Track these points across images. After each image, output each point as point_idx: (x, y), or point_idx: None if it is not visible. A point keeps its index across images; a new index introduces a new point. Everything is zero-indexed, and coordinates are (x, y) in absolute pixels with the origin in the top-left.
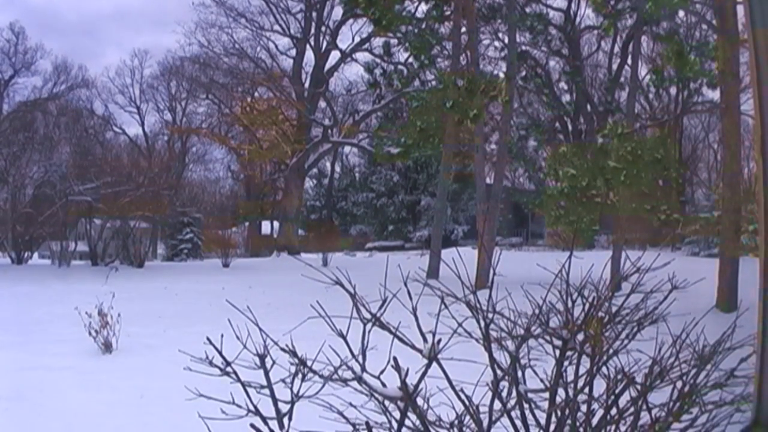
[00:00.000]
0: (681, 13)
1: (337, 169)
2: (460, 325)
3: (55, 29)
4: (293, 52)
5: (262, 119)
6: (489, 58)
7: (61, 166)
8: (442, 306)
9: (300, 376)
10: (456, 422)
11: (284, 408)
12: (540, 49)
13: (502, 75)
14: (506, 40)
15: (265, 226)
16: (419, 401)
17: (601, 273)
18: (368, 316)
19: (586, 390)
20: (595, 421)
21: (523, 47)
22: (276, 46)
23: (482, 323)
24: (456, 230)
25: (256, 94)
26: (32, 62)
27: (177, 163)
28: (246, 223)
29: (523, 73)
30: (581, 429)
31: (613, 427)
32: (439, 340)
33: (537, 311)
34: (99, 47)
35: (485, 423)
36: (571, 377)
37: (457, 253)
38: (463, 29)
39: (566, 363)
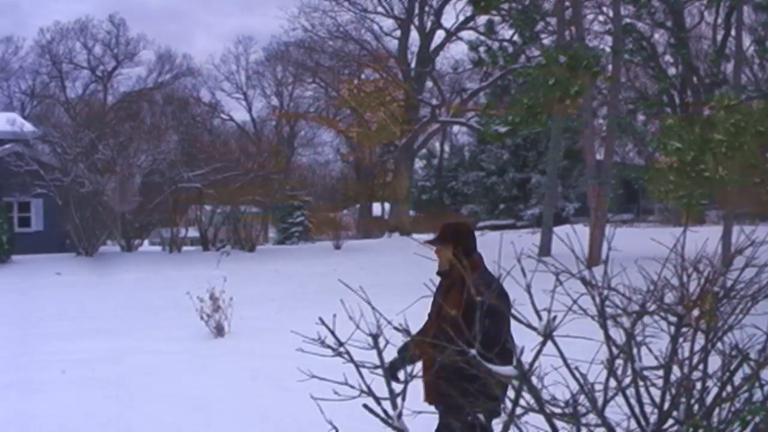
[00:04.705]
0: None
1: (447, 148)
2: (575, 302)
3: (139, 16)
4: (398, 32)
5: (370, 101)
6: (594, 32)
7: (169, 154)
8: (557, 282)
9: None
10: (570, 401)
11: (398, 388)
12: (644, 21)
13: (608, 49)
14: (611, 14)
15: (376, 208)
16: (533, 380)
17: (716, 247)
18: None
19: (701, 367)
20: (709, 399)
21: (627, 20)
22: (380, 28)
23: (597, 299)
24: (567, 207)
25: (362, 76)
26: (135, 53)
27: (285, 148)
28: (357, 205)
29: (629, 46)
30: (695, 407)
31: (728, 405)
32: (554, 317)
33: (652, 287)
34: (187, 32)
35: (600, 401)
36: (686, 354)
37: (572, 229)
38: (567, 3)
39: (681, 339)
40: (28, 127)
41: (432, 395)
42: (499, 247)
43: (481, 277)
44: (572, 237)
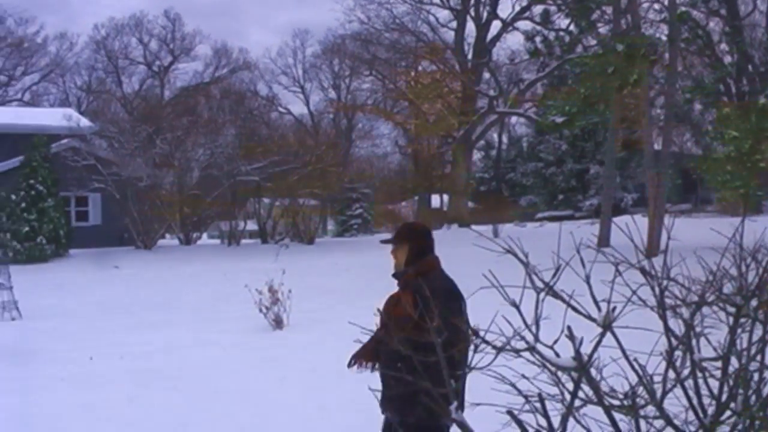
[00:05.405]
0: None
1: (505, 139)
2: (634, 292)
3: (192, 11)
4: (454, 24)
5: (427, 93)
6: (650, 20)
7: (227, 148)
8: (616, 273)
9: (472, 347)
10: (630, 393)
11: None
12: (699, 9)
13: (664, 38)
14: (666, 2)
15: (435, 200)
16: (592, 372)
17: None
18: (541, 285)
19: (759, 357)
20: (766, 390)
21: (683, 8)
22: (437, 19)
23: (657, 290)
24: (625, 198)
25: (419, 67)
26: (191, 48)
27: (344, 140)
28: (415, 197)
29: (685, 35)
30: (753, 398)
31: None
32: (614, 308)
33: (711, 277)
34: (241, 27)
35: (659, 393)
36: (744, 345)
37: (632, 220)
38: None
39: (739, 330)
40: (85, 122)
41: (383, 404)
42: (558, 238)
43: (435, 279)
44: (631, 227)
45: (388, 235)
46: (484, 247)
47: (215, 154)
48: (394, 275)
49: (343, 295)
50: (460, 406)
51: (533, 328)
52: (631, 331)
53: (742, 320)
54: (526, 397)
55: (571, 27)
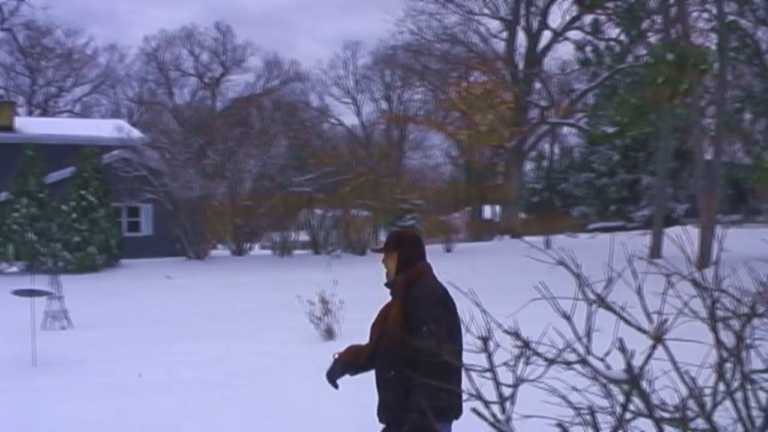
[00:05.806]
0: None
1: (556, 150)
2: (686, 304)
3: (241, 23)
4: (504, 34)
5: (479, 103)
6: (700, 30)
7: (279, 159)
8: (667, 285)
9: (523, 359)
10: (680, 405)
11: (507, 392)
12: (747, 18)
13: (713, 47)
14: (714, 11)
15: (487, 211)
16: (643, 384)
17: None
18: (593, 296)
19: None
20: None
21: (731, 17)
22: (487, 29)
23: (708, 302)
24: (676, 209)
25: (470, 78)
26: (242, 59)
27: (395, 151)
28: (467, 207)
29: (734, 44)
30: None
31: None
32: (666, 320)
33: (761, 288)
34: (291, 37)
35: (708, 406)
36: None
37: (682, 231)
38: (672, 0)
39: None
40: (136, 133)
41: (379, 412)
42: (610, 249)
43: (425, 285)
44: (683, 238)
45: (438, 246)
46: (536, 259)
47: (267, 165)
48: (386, 284)
49: None
50: (459, 410)
51: (584, 340)
52: (682, 343)
53: None
54: (577, 409)
55: (622, 36)
